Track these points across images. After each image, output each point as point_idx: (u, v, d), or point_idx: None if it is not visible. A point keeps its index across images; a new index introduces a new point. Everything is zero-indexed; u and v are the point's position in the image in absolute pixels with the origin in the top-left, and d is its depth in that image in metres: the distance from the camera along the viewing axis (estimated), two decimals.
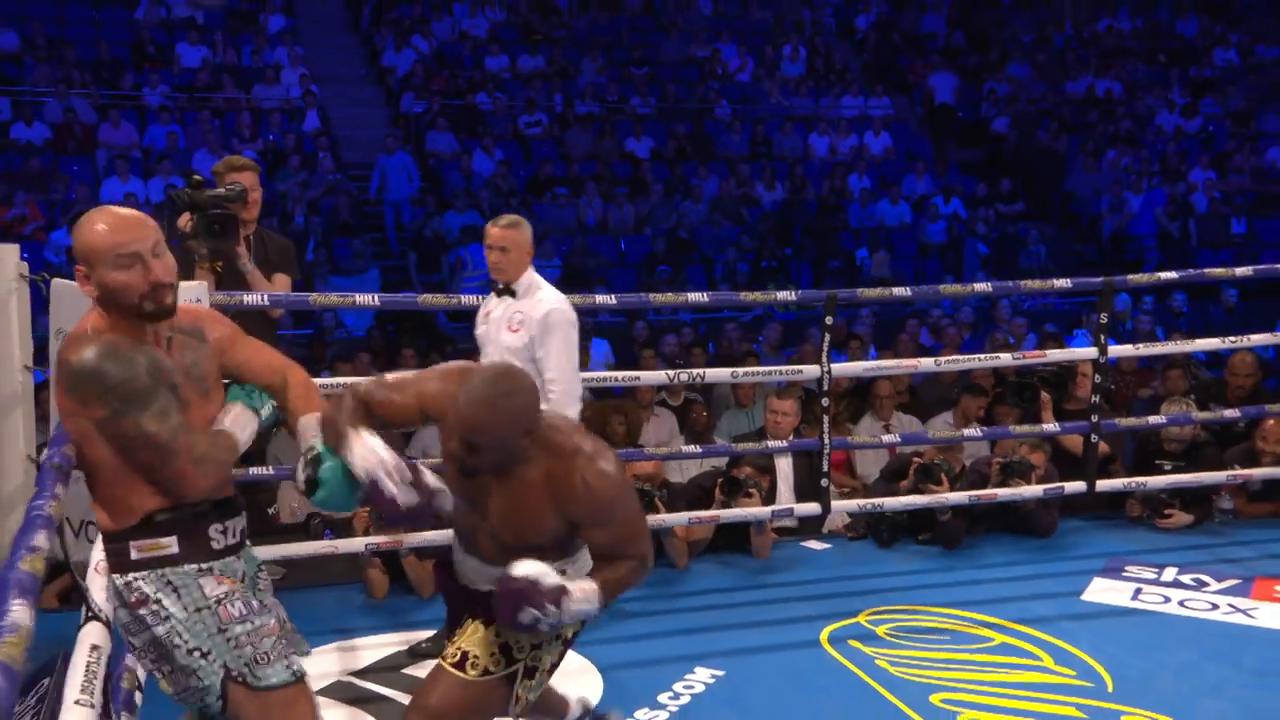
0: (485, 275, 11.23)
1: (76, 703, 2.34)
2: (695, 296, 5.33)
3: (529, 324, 4.29)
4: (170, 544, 2.57)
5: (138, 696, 3.24)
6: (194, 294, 4.34)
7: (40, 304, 4.75)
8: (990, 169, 14.97)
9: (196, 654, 2.56)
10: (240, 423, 2.71)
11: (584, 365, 7.23)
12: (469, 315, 4.95)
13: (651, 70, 15.32)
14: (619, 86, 14.94)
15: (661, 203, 12.99)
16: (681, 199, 13.05)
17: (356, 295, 4.93)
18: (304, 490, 2.77)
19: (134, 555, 2.55)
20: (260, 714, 2.62)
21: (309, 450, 2.77)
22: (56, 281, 4.56)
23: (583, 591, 2.80)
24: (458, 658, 2.96)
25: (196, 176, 4.76)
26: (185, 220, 4.70)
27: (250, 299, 4.67)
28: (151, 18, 14.50)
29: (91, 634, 2.61)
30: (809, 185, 13.71)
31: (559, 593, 2.75)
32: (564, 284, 10.92)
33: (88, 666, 2.49)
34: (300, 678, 2.67)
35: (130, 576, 2.55)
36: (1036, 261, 12.76)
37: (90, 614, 2.71)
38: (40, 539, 2.35)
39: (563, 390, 4.25)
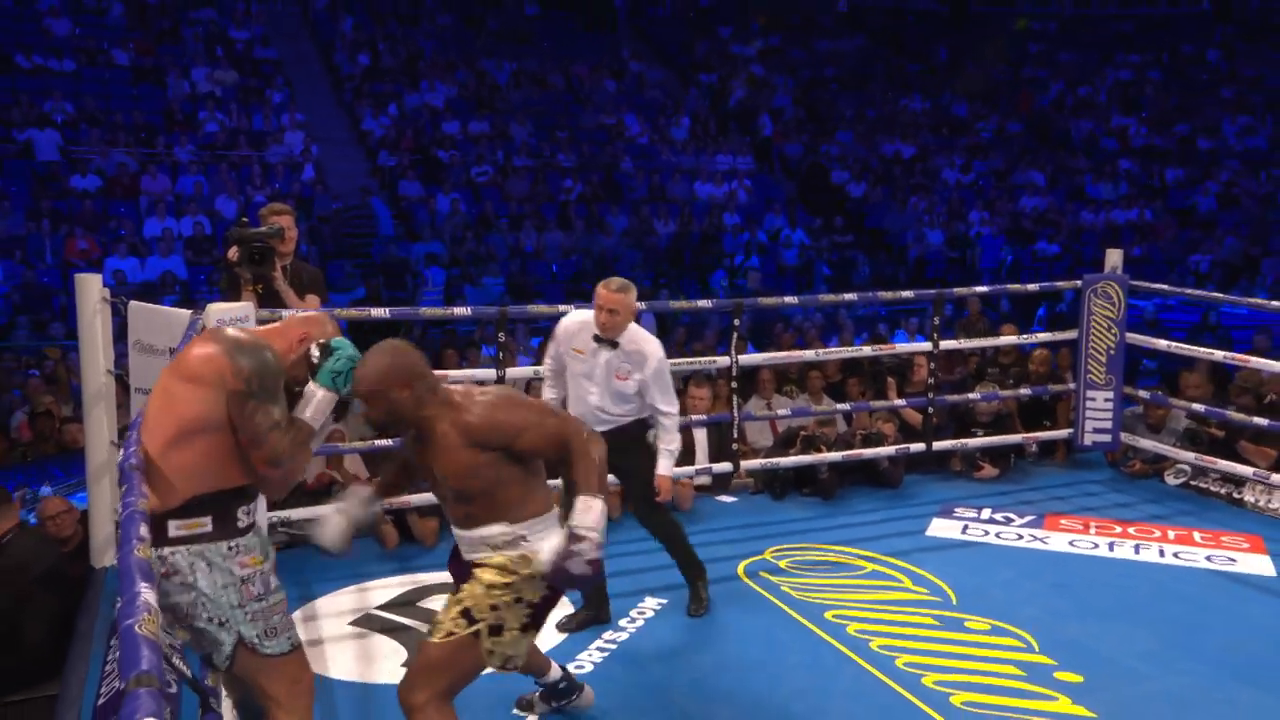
0: (440, 292, 11.02)
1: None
2: (641, 305, 5.17)
3: (638, 372, 3.94)
4: (206, 523, 2.32)
5: None
6: (241, 312, 4.10)
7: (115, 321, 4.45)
8: (827, 209, 15.08)
9: (214, 623, 2.33)
10: (320, 410, 2.45)
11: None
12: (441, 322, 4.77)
13: (572, 133, 15.12)
14: (547, 146, 14.71)
15: (583, 235, 12.82)
16: (598, 232, 12.90)
17: (371, 309, 4.70)
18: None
19: (171, 533, 2.29)
20: (262, 674, 2.42)
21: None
22: (134, 304, 4.27)
23: (584, 508, 2.59)
24: (430, 626, 2.71)
25: (244, 219, 4.50)
26: (233, 252, 4.44)
27: (285, 314, 4.44)
28: (179, 92, 13.86)
29: None
30: (694, 221, 13.66)
31: (574, 539, 2.55)
32: (509, 297, 10.73)
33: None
34: (297, 647, 2.47)
35: (165, 551, 2.30)
36: (864, 279, 12.88)
37: None
38: (144, 530, 2.12)
39: (673, 421, 4.05)
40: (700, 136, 15.79)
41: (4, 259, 10.11)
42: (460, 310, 4.87)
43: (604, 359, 3.96)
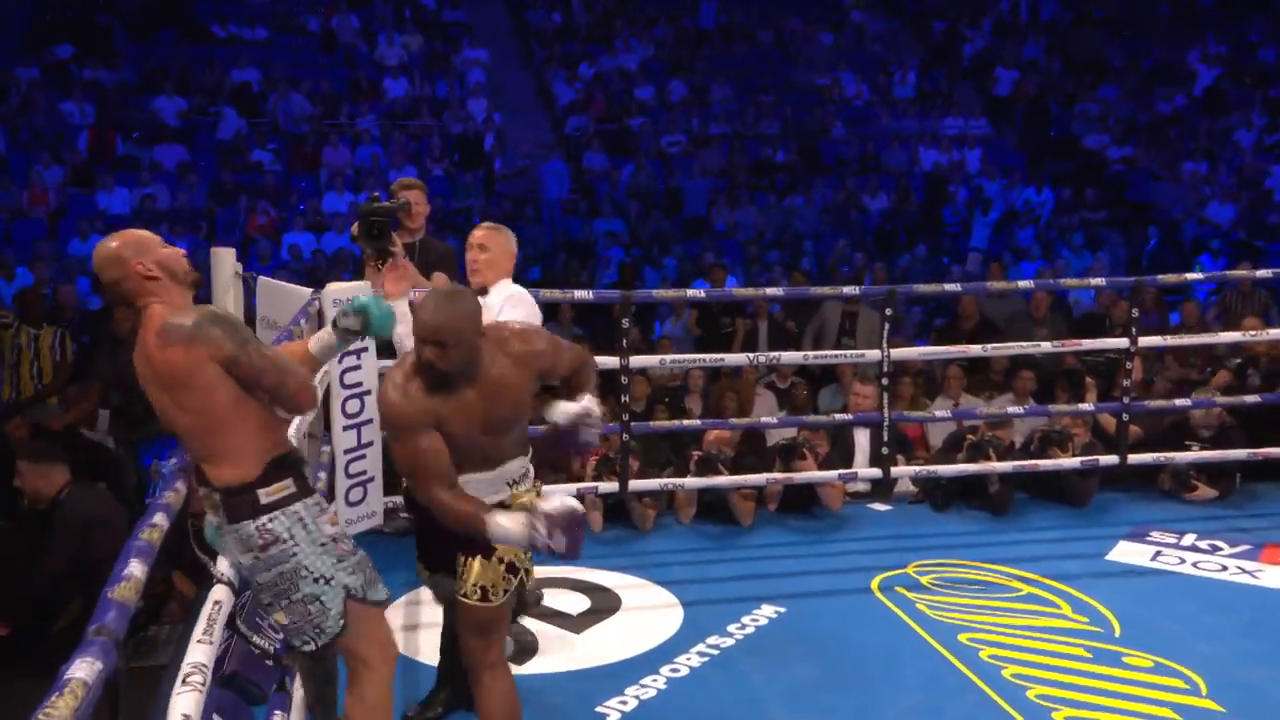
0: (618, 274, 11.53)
1: (198, 641, 2.53)
2: (773, 291, 5.42)
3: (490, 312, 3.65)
4: (289, 484, 2.67)
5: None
6: (360, 290, 4.67)
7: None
8: (1076, 178, 14.51)
9: (321, 581, 2.71)
10: (323, 345, 2.85)
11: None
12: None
13: (778, 96, 15.31)
14: (750, 111, 14.95)
15: (776, 211, 13.00)
16: (798, 207, 13.06)
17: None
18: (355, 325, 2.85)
19: (263, 500, 2.64)
20: (368, 623, 2.82)
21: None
22: (262, 280, 4.96)
23: (591, 400, 3.05)
24: (480, 594, 3.00)
25: (375, 194, 5.08)
26: (355, 227, 5.04)
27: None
28: (365, 59, 15.13)
29: (216, 593, 2.73)
30: (912, 195, 13.55)
31: (587, 412, 3.02)
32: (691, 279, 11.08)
33: (209, 616, 2.63)
34: (388, 600, 2.89)
35: (262, 520, 2.65)
36: (1120, 261, 12.33)
37: (215, 579, 2.82)
38: (159, 518, 2.56)
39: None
40: (927, 96, 15.57)
41: (189, 234, 11.52)
42: (580, 294, 5.28)
43: None
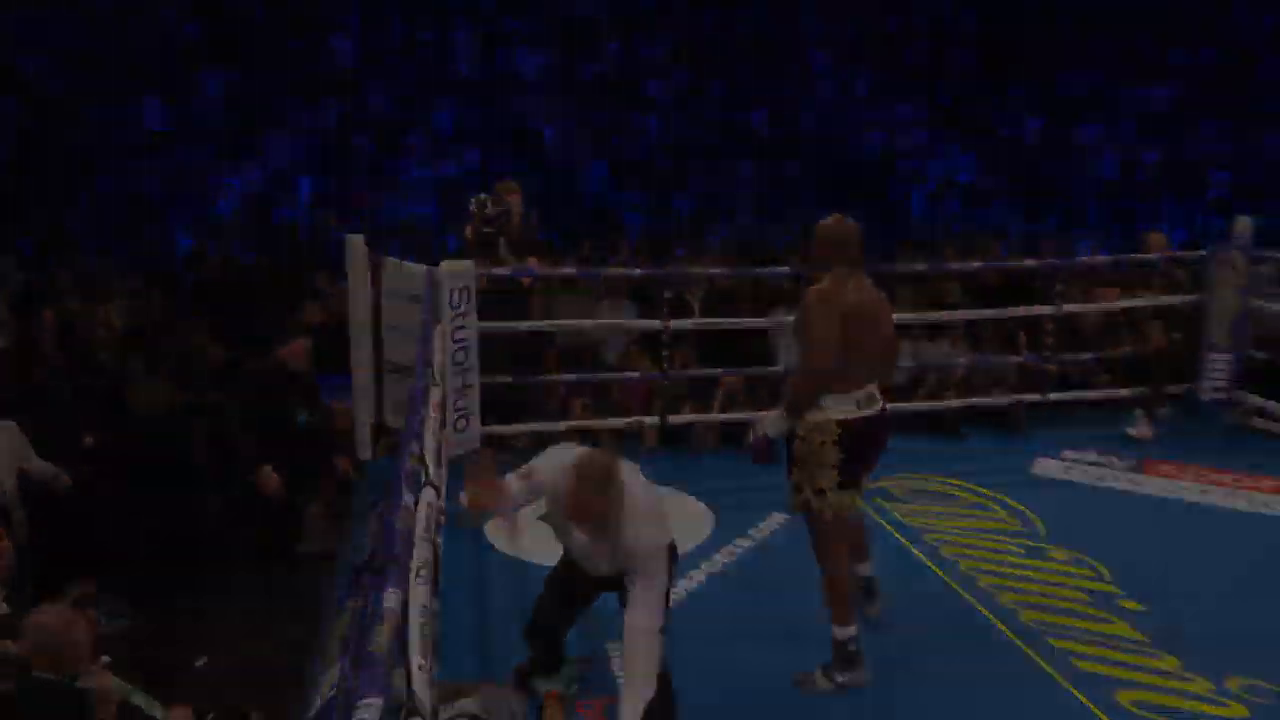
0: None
1: (421, 538, 2.64)
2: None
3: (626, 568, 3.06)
4: None
5: None
6: (463, 268, 5.30)
7: None
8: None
9: None
10: None
11: None
12: None
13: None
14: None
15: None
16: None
17: None
18: None
19: None
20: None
21: None
22: (387, 260, 5.57)
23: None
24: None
25: (481, 196, 5.71)
26: (469, 231, 5.70)
27: (498, 272, 5.64)
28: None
29: (427, 495, 2.92)
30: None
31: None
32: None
33: (427, 516, 2.81)
34: None
35: None
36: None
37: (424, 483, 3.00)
38: (414, 445, 3.03)
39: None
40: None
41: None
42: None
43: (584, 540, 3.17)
